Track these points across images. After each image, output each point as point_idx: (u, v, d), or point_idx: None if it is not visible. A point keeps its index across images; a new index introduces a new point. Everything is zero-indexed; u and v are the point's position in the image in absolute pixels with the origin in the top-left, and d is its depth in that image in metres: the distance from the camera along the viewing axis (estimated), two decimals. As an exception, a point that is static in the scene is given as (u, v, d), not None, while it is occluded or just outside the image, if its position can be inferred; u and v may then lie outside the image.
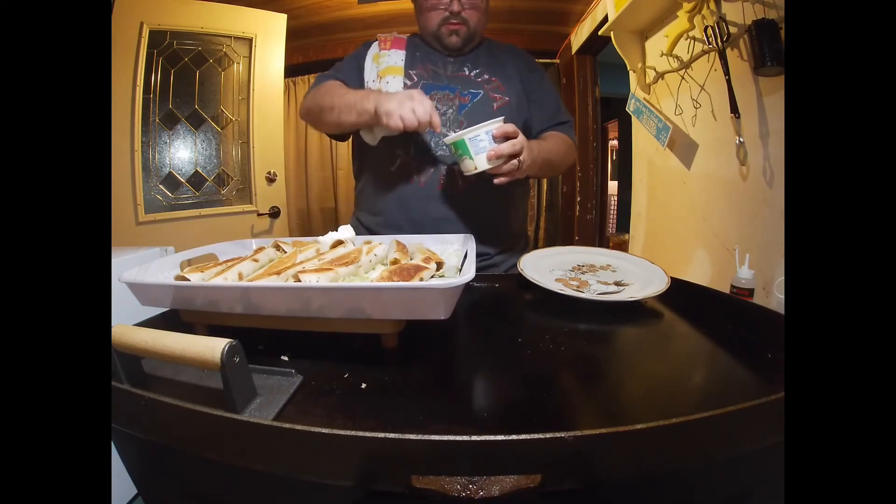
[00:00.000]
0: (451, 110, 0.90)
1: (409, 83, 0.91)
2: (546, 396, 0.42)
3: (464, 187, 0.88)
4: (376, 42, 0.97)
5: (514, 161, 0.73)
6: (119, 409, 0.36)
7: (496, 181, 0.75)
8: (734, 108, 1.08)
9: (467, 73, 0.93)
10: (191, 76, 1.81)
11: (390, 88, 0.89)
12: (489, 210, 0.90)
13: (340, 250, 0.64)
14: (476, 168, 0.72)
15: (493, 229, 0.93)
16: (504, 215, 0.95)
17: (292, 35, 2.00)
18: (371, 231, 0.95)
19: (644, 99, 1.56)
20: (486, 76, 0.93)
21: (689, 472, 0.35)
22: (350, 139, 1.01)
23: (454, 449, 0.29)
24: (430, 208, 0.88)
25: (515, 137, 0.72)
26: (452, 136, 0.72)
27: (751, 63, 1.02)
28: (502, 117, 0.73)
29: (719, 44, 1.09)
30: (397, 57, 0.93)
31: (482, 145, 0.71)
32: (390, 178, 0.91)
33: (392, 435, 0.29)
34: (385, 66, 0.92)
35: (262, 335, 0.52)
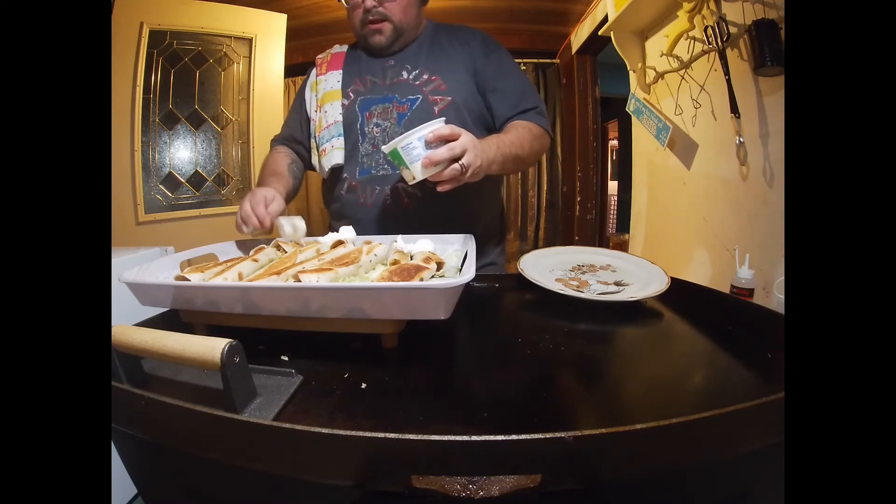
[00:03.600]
0: (389, 123, 0.85)
1: (346, 103, 0.88)
2: (546, 396, 0.42)
3: (408, 204, 0.85)
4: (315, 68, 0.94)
5: (456, 166, 0.64)
6: (119, 409, 0.36)
7: (439, 188, 0.67)
8: (734, 108, 1.08)
9: (406, 76, 0.87)
10: (191, 76, 1.82)
11: (328, 118, 0.88)
12: (441, 218, 0.82)
13: (340, 250, 0.64)
14: (414, 178, 0.65)
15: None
16: (461, 218, 0.87)
17: (292, 35, 2.01)
18: None
19: (644, 99, 1.56)
20: (426, 76, 0.86)
21: (689, 472, 0.35)
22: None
23: (454, 449, 0.29)
24: (379, 228, 0.87)
25: (455, 139, 0.64)
26: (387, 146, 0.66)
27: (751, 63, 1.02)
28: (442, 119, 0.66)
29: (719, 44, 1.09)
30: (333, 80, 0.90)
31: (416, 153, 0.63)
32: (342, 201, 0.91)
33: (392, 435, 0.29)
34: (322, 93, 0.90)
35: (262, 335, 0.52)
